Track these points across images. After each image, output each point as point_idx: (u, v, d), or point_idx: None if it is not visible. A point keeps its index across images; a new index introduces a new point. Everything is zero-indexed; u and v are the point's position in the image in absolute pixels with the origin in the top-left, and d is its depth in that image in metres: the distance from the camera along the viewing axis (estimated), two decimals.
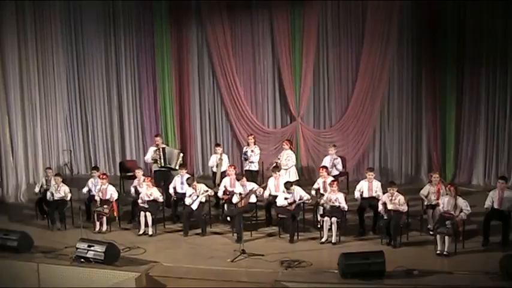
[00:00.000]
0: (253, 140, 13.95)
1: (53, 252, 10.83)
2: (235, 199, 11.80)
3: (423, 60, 14.62)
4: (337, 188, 11.48)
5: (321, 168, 12.44)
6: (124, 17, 16.31)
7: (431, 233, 11.04)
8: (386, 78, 14.89)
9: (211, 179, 13.86)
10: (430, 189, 11.46)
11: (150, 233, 11.85)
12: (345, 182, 14.01)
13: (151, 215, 11.84)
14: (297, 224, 11.40)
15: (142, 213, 11.86)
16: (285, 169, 13.43)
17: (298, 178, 13.71)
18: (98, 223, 12.09)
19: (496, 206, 10.82)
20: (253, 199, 11.96)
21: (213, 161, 13.77)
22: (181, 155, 13.79)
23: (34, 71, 15.36)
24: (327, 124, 15.66)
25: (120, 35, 16.39)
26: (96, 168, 13.40)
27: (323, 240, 11.18)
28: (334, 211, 11.15)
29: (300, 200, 11.59)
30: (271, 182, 12.34)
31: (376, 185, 11.82)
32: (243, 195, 11.72)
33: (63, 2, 16.32)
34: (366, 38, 14.76)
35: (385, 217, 10.93)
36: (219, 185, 12.83)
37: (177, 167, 13.35)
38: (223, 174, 13.10)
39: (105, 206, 12.00)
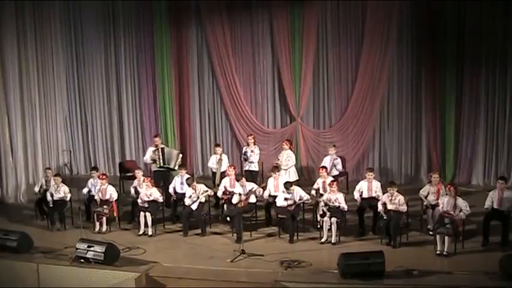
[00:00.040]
0: (252, 140, 13.95)
1: (53, 252, 10.83)
2: (235, 199, 11.80)
3: (423, 60, 14.62)
4: (336, 188, 11.48)
5: (321, 169, 12.45)
6: (124, 17, 16.30)
7: (431, 233, 11.05)
8: (386, 78, 14.89)
9: (211, 179, 13.85)
10: (429, 190, 11.47)
11: (150, 233, 11.85)
12: (345, 182, 14.00)
13: (151, 215, 11.85)
14: (296, 224, 11.40)
15: (142, 213, 11.87)
16: (284, 169, 13.44)
17: (297, 178, 13.71)
18: (97, 223, 12.10)
19: (495, 206, 10.83)
20: (252, 199, 11.97)
21: (212, 161, 13.76)
22: (181, 155, 13.80)
23: (34, 71, 15.35)
24: (327, 124, 15.66)
25: (119, 35, 16.38)
26: (95, 168, 13.39)
27: (323, 240, 11.18)
28: (333, 211, 11.15)
29: (299, 200, 11.59)
30: (270, 182, 12.34)
31: (376, 185, 11.82)
32: (243, 196, 11.72)
33: (63, 2, 16.31)
34: (366, 38, 14.75)
35: (385, 217, 10.94)
36: (218, 185, 12.83)
37: (176, 168, 13.35)
38: (223, 175, 13.10)
39: (105, 207, 12.00)
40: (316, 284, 9.43)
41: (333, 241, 11.06)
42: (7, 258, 10.62)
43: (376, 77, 14.82)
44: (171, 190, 12.74)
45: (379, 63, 14.75)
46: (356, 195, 11.83)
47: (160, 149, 13.51)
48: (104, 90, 16.77)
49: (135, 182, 12.59)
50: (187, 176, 12.50)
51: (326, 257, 10.56)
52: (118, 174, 15.38)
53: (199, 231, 11.81)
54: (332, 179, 12.23)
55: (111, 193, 12.18)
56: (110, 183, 12.45)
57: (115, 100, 16.72)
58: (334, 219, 11.02)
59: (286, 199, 11.46)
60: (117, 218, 12.32)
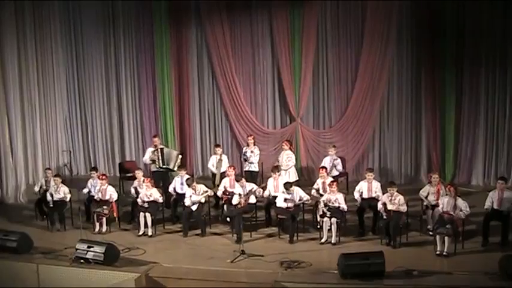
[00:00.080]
0: (252, 141, 13.95)
1: (53, 253, 10.83)
2: (234, 200, 11.80)
3: (422, 60, 14.62)
4: (336, 189, 11.48)
5: (321, 169, 12.45)
6: (123, 17, 16.29)
7: (430, 233, 11.05)
8: (386, 78, 14.89)
9: (211, 180, 13.84)
10: (429, 190, 11.47)
11: (150, 233, 11.85)
12: (345, 182, 14.00)
13: (151, 215, 11.85)
14: (296, 224, 11.40)
15: (142, 213, 11.87)
16: (284, 170, 13.44)
17: (297, 178, 13.71)
18: (97, 224, 12.10)
19: (495, 207, 10.83)
20: (252, 200, 11.97)
21: (212, 162, 13.76)
22: (180, 156, 13.80)
23: (33, 72, 15.36)
24: (327, 124, 15.66)
25: (119, 35, 16.38)
26: (95, 168, 13.38)
27: (323, 240, 11.18)
28: (333, 212, 11.15)
29: (299, 200, 11.59)
30: (270, 182, 12.34)
31: (376, 185, 11.82)
32: (242, 197, 11.72)
33: (63, 3, 16.31)
34: (366, 38, 14.75)
35: (385, 216, 10.93)
36: (218, 185, 12.83)
37: (175, 168, 13.36)
38: (223, 175, 13.09)
39: (105, 207, 12.00)
40: (316, 285, 9.42)
41: (332, 241, 11.06)
42: (7, 258, 10.61)
43: (376, 77, 14.82)
44: (171, 190, 12.74)
45: (379, 63, 14.75)
46: (356, 195, 11.84)
47: (159, 150, 13.52)
48: (103, 91, 16.77)
49: (135, 183, 12.59)
50: (187, 176, 12.50)
51: (326, 257, 10.56)
52: (118, 174, 15.37)
53: (199, 231, 11.81)
54: (332, 179, 12.23)
55: (111, 193, 12.17)
56: (109, 184, 12.44)
57: (115, 100, 16.72)
58: (334, 220, 11.02)
59: (286, 199, 11.46)
60: (117, 219, 12.31)
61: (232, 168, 12.70)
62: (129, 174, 14.37)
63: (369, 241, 11.21)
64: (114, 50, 16.50)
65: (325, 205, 11.27)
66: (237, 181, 12.16)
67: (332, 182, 11.78)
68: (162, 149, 13.59)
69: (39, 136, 15.56)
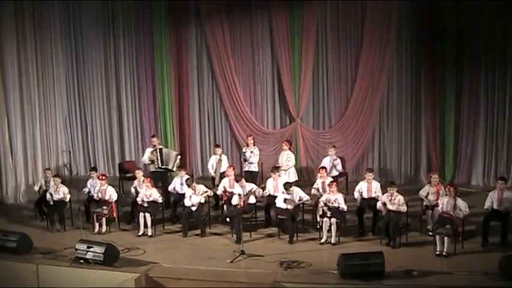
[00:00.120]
0: (252, 141, 13.95)
1: (53, 253, 10.83)
2: (234, 200, 11.80)
3: (422, 60, 14.62)
4: (336, 189, 11.47)
5: (320, 169, 12.45)
6: (123, 17, 16.29)
7: (430, 233, 11.05)
8: (386, 78, 14.88)
9: (211, 180, 13.84)
10: (429, 190, 11.47)
11: (150, 233, 11.85)
12: (345, 182, 14.00)
13: (151, 215, 11.85)
14: (296, 224, 11.40)
15: (141, 214, 11.87)
16: (284, 170, 13.44)
17: (297, 179, 13.72)
18: (97, 224, 12.09)
19: (495, 207, 10.82)
20: (252, 200, 11.96)
21: (212, 162, 13.76)
22: (179, 156, 13.79)
23: (33, 72, 15.36)
24: (326, 125, 15.65)
25: (119, 35, 16.38)
26: (94, 169, 13.38)
27: (322, 240, 11.18)
28: (333, 212, 11.14)
29: (299, 200, 11.59)
30: (270, 182, 12.33)
31: (376, 185, 11.82)
32: (242, 197, 11.72)
33: (62, 3, 16.31)
34: (365, 38, 14.75)
35: (384, 212, 10.94)
36: (218, 185, 12.83)
37: (174, 169, 13.36)
38: (223, 175, 13.09)
39: (105, 207, 12.00)
40: (315, 285, 9.43)
41: (332, 242, 11.06)
42: (7, 259, 10.62)
43: (375, 77, 14.81)
44: (171, 190, 12.75)
45: (378, 63, 14.74)
46: (356, 194, 11.85)
47: (158, 150, 13.51)
48: (103, 91, 16.77)
49: (135, 182, 12.59)
50: (187, 176, 12.50)
51: (326, 257, 10.56)
52: (117, 174, 15.37)
53: (199, 231, 11.81)
54: (331, 179, 12.22)
55: (111, 194, 12.17)
56: (109, 184, 12.43)
57: (114, 101, 16.72)
58: (333, 220, 11.02)
59: (286, 200, 11.46)
60: (116, 219, 12.31)
61: (231, 168, 12.71)
62: (128, 175, 14.38)
63: (368, 241, 11.21)
64: (114, 50, 16.50)
65: (325, 205, 11.27)
66: (237, 181, 12.15)
67: (332, 182, 11.78)
68: (161, 149, 13.59)
69: (39, 136, 15.57)
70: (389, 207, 10.89)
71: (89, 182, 12.69)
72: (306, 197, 11.67)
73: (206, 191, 12.10)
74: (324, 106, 15.59)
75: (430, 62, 14.53)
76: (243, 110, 15.80)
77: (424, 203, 11.50)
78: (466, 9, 14.04)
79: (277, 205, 11.56)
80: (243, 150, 14.06)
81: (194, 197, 11.85)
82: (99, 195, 12.17)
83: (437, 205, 10.93)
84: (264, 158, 14.43)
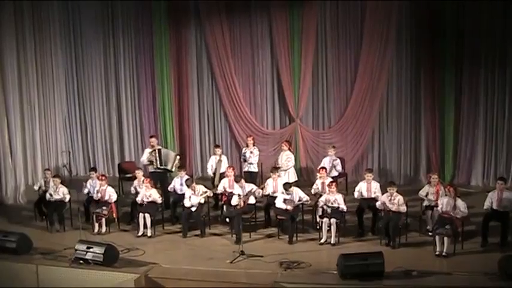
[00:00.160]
0: (252, 141, 13.95)
1: (52, 253, 10.84)
2: (234, 200, 11.80)
3: (422, 60, 14.61)
4: (335, 189, 11.47)
5: (320, 169, 12.45)
6: (123, 18, 16.29)
7: (430, 234, 11.04)
8: (385, 78, 14.88)
9: (210, 180, 13.83)
10: (429, 190, 11.48)
11: (149, 234, 11.85)
12: (344, 183, 13.99)
13: (150, 216, 11.84)
14: (296, 225, 11.39)
15: (141, 214, 11.86)
16: (284, 170, 13.44)
17: (297, 179, 13.72)
18: (96, 224, 12.09)
19: (495, 207, 10.82)
20: (252, 200, 11.96)
21: (211, 162, 13.76)
22: (178, 157, 13.79)
23: (33, 73, 15.35)
24: (326, 125, 15.65)
25: (118, 36, 16.37)
26: (94, 169, 13.37)
27: (322, 241, 11.18)
28: (333, 212, 11.14)
29: (299, 201, 11.59)
30: (269, 183, 12.33)
31: (375, 186, 11.82)
32: (242, 197, 11.72)
33: (62, 3, 16.30)
34: (365, 39, 14.74)
35: (382, 208, 10.96)
36: (217, 186, 12.83)
37: (173, 169, 13.35)
38: (222, 176, 13.09)
39: (104, 208, 12.00)
40: (315, 285, 9.44)
41: (332, 242, 11.06)
42: (6, 259, 10.63)
43: (375, 78, 14.81)
44: (171, 191, 12.75)
45: (378, 63, 14.74)
46: (356, 194, 11.86)
47: (157, 150, 13.50)
48: (103, 92, 16.76)
49: (135, 182, 12.60)
50: (187, 177, 12.49)
51: (325, 257, 10.56)
52: (117, 175, 15.36)
53: (198, 232, 11.81)
54: (331, 179, 12.22)
55: (110, 194, 12.17)
56: (109, 184, 12.43)
57: (114, 101, 16.72)
58: (333, 220, 11.02)
59: (285, 200, 11.46)
60: (116, 219, 12.31)
61: (231, 168, 12.71)
62: (128, 175, 14.38)
63: (368, 241, 11.21)
64: (114, 51, 16.49)
65: (325, 205, 11.27)
66: (236, 182, 12.15)
67: (331, 182, 11.78)
68: (159, 150, 13.57)
69: (39, 137, 15.56)
70: (390, 207, 10.89)
71: (89, 183, 12.69)
72: (305, 198, 11.67)
73: (206, 192, 12.10)
74: (323, 106, 15.59)
75: (429, 62, 14.52)
76: (242, 111, 15.80)
77: (424, 203, 11.49)
78: (466, 9, 14.04)
79: (277, 205, 11.57)
80: (243, 151, 14.05)
81: (194, 197, 11.86)
82: (99, 195, 12.17)
83: (436, 205, 10.93)
84: (263, 158, 14.42)
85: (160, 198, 12.19)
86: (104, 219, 12.07)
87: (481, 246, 10.72)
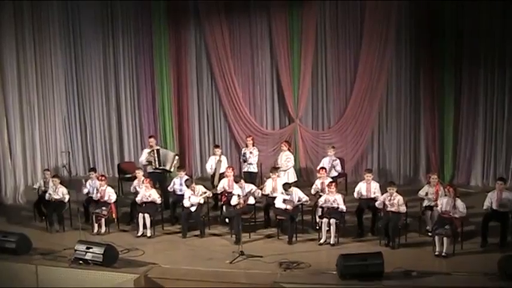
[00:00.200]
0: (251, 142, 13.95)
1: (52, 254, 10.84)
2: (233, 201, 11.80)
3: (421, 60, 14.61)
4: (335, 190, 11.47)
5: (320, 170, 12.45)
6: (122, 18, 16.27)
7: (429, 234, 11.04)
8: (385, 79, 14.87)
9: (210, 181, 13.83)
10: (428, 190, 11.48)
11: (149, 234, 11.84)
12: (344, 183, 13.99)
13: (150, 216, 11.84)
14: (295, 225, 11.40)
15: (140, 214, 11.86)
16: (283, 170, 13.44)
17: (296, 179, 13.71)
18: (96, 225, 12.09)
19: (494, 207, 10.82)
20: (251, 200, 11.96)
21: (211, 162, 13.75)
22: (177, 157, 13.78)
23: (32, 73, 15.34)
24: (326, 125, 15.64)
25: (118, 36, 16.35)
26: (93, 169, 13.37)
27: (321, 241, 11.18)
28: (332, 212, 11.15)
29: (298, 201, 11.59)
30: (269, 183, 12.33)
31: (375, 186, 11.82)
32: (241, 198, 11.72)
33: (61, 3, 16.28)
34: (364, 39, 14.74)
35: (381, 205, 10.94)
36: (217, 186, 12.83)
37: (172, 170, 13.35)
38: (222, 176, 13.08)
39: (104, 208, 12.00)
40: (315, 285, 9.44)
41: (331, 242, 11.06)
42: (6, 259, 10.62)
43: (374, 78, 14.80)
44: (170, 191, 12.76)
45: (377, 64, 14.73)
46: (356, 195, 11.85)
47: (155, 151, 13.49)
48: (102, 92, 16.75)
49: (135, 182, 12.60)
50: (186, 177, 12.49)
51: (325, 258, 10.56)
52: (117, 175, 15.35)
53: (198, 232, 11.81)
54: (331, 180, 12.22)
55: (110, 194, 12.16)
56: (108, 185, 12.42)
57: (114, 101, 16.70)
58: (333, 221, 11.02)
59: (285, 200, 11.46)
60: (115, 220, 12.30)
61: (231, 169, 12.71)
62: (127, 175, 14.37)
63: (367, 242, 11.21)
64: (113, 51, 16.48)
65: (324, 205, 11.28)
66: (236, 182, 12.15)
67: (331, 182, 11.78)
68: (158, 150, 13.57)
69: (38, 137, 15.54)
70: (389, 207, 10.89)
71: (88, 183, 12.69)
72: (305, 198, 11.68)
73: (205, 192, 12.10)
74: (323, 107, 15.58)
75: (429, 62, 14.52)
76: (242, 111, 15.80)
77: (424, 203, 11.49)
78: (465, 10, 14.03)
79: (277, 206, 11.57)
80: (242, 151, 14.05)
81: (193, 197, 11.86)
82: (98, 196, 12.16)
83: (436, 205, 10.94)
84: (263, 158, 14.42)
85: (160, 198, 12.18)
86: (103, 220, 12.06)
87: (480, 247, 10.73)
